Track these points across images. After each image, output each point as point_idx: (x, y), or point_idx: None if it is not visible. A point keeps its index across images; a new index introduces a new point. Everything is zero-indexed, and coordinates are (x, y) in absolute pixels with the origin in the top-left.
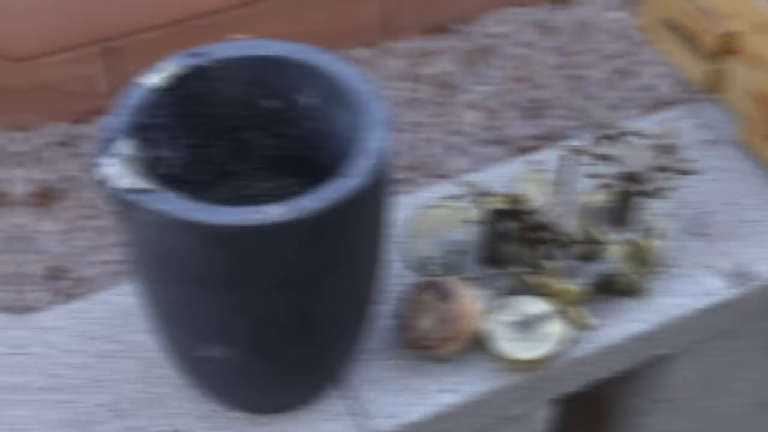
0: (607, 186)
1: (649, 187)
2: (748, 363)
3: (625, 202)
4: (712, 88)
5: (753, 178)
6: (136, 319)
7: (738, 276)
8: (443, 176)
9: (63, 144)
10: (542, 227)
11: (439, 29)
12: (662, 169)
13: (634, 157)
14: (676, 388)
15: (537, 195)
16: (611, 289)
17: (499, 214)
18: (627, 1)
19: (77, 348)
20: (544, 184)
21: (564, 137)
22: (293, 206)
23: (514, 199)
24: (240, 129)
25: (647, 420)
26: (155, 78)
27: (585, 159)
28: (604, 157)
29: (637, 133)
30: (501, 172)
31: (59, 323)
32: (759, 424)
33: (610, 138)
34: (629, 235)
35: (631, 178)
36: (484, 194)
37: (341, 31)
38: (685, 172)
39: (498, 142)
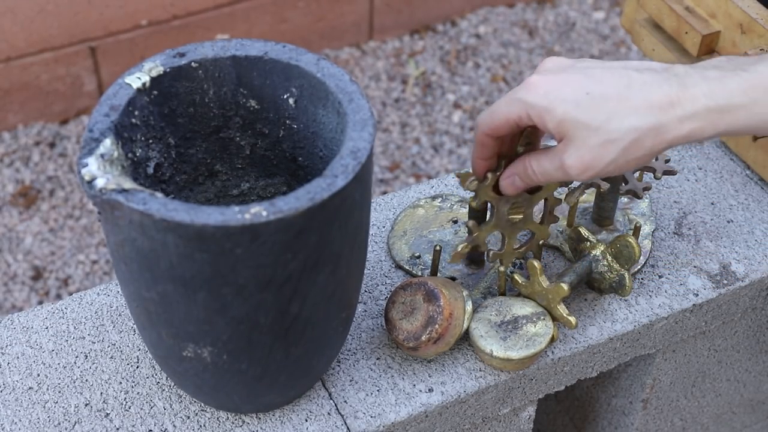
0: (588, 186)
1: (631, 187)
2: (732, 363)
3: (608, 202)
4: None
5: (738, 178)
6: (121, 319)
7: (722, 276)
8: (428, 176)
9: (50, 144)
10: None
11: (423, 29)
12: (644, 169)
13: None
14: (660, 387)
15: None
16: (597, 287)
17: (485, 213)
18: (611, 1)
19: (63, 348)
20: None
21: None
22: (276, 206)
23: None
24: (224, 129)
25: (631, 420)
26: (139, 78)
27: None
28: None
29: None
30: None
31: (44, 323)
32: (743, 423)
33: None
34: (615, 234)
35: (612, 179)
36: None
37: (326, 31)
38: (667, 173)
39: None
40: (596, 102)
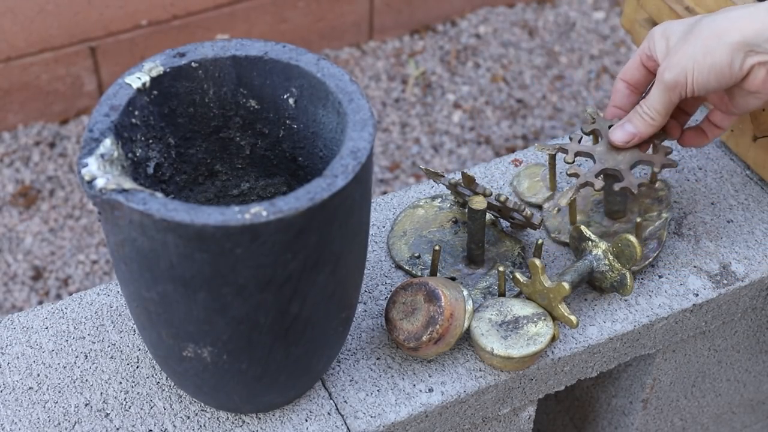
0: (586, 184)
1: (626, 184)
2: (732, 363)
3: (615, 195)
4: None
5: (738, 178)
6: (121, 319)
7: (722, 276)
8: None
9: (50, 144)
10: (527, 225)
11: (423, 29)
12: (644, 163)
13: (615, 153)
14: (660, 387)
15: (528, 192)
16: (598, 286)
17: (484, 214)
18: (611, 1)
19: (63, 348)
20: (534, 181)
21: (548, 137)
22: (276, 206)
23: (498, 197)
24: (224, 129)
25: (631, 420)
26: (139, 78)
27: (567, 157)
28: (585, 155)
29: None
30: (485, 171)
31: (44, 323)
32: (743, 423)
33: (592, 134)
34: (617, 228)
35: (612, 175)
36: (472, 190)
37: (326, 31)
38: (665, 166)
39: (481, 141)
40: (697, 21)
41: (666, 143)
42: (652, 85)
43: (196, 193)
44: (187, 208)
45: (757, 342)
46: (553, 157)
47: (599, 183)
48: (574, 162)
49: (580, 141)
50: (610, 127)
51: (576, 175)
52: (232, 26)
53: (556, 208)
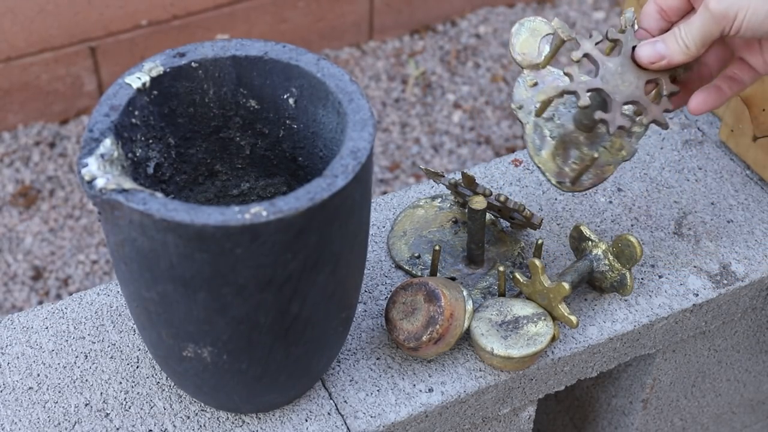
0: (573, 93)
1: (612, 118)
2: (732, 363)
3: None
4: None
5: (738, 178)
6: (121, 319)
7: (722, 276)
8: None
9: (50, 144)
10: (527, 225)
11: (423, 29)
12: (638, 105)
13: (620, 78)
14: (660, 387)
15: (521, 48)
16: (598, 286)
17: (484, 214)
18: (610, 1)
19: (63, 348)
20: (533, 38)
21: None
22: (276, 206)
23: (498, 197)
24: (224, 129)
25: (631, 420)
26: (139, 78)
27: (575, 54)
28: (592, 62)
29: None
30: (485, 171)
31: (44, 323)
32: (743, 423)
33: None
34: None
35: (602, 98)
36: (472, 190)
37: (326, 31)
38: (656, 121)
39: (481, 141)
40: None
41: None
42: (688, 14)
43: (196, 193)
44: (187, 208)
45: (757, 342)
46: (562, 42)
47: (585, 99)
48: (579, 61)
49: (598, 43)
50: (633, 48)
51: (570, 77)
52: (232, 26)
53: (533, 81)
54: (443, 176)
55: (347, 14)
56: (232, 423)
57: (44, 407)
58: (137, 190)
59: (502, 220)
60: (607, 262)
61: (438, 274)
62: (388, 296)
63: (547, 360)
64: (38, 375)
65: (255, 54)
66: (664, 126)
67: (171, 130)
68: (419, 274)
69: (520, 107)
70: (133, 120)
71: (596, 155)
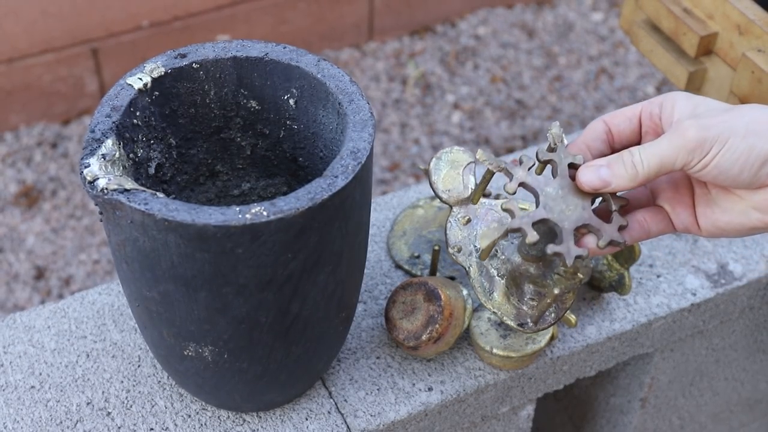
0: (518, 231)
1: (567, 250)
2: (729, 362)
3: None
4: (694, 89)
5: None
6: (123, 318)
7: (720, 275)
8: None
9: (52, 144)
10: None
11: (423, 30)
12: (591, 228)
13: (564, 202)
14: (658, 386)
15: (443, 183)
16: (597, 286)
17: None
18: (609, 3)
19: (65, 347)
20: (454, 171)
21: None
22: (277, 206)
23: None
24: (225, 129)
25: (630, 418)
26: (140, 78)
27: (509, 186)
28: (530, 190)
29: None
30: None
31: (46, 322)
32: (740, 422)
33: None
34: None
35: (550, 228)
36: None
37: (326, 33)
38: (612, 243)
39: (481, 142)
40: (734, 109)
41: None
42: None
43: (197, 194)
44: (188, 208)
45: (755, 341)
46: (491, 174)
47: (533, 235)
48: (515, 193)
49: (530, 168)
50: (570, 165)
51: (511, 214)
52: (232, 27)
53: (466, 218)
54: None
55: (347, 15)
56: (233, 422)
57: (46, 406)
58: (139, 191)
59: None
60: (605, 261)
61: (438, 274)
62: (388, 296)
63: (546, 359)
64: (40, 374)
65: (256, 55)
66: (623, 245)
67: (172, 131)
68: (419, 273)
69: (459, 250)
70: (135, 120)
71: (556, 291)
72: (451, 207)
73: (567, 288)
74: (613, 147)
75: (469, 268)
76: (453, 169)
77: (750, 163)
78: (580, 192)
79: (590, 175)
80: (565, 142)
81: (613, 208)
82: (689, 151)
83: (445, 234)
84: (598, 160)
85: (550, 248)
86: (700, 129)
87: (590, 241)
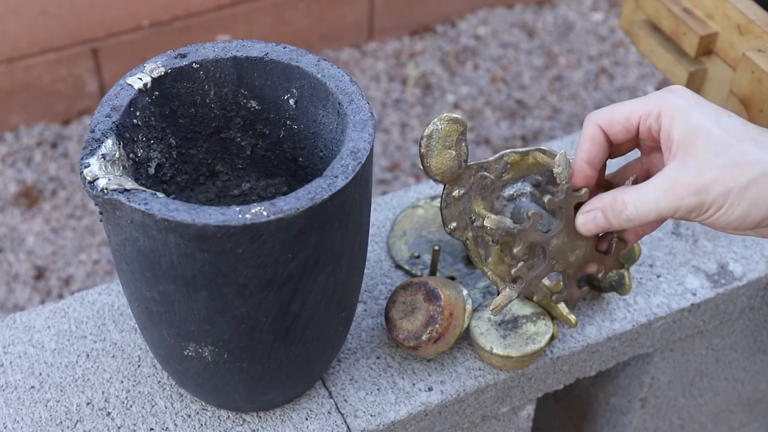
0: (528, 291)
1: (570, 295)
2: (729, 362)
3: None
4: (694, 89)
5: None
6: (123, 318)
7: (720, 275)
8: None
9: (52, 145)
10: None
11: (423, 30)
12: (591, 267)
13: (569, 250)
14: (658, 386)
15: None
16: (597, 286)
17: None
18: (609, 3)
19: (65, 347)
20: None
21: (546, 137)
22: (277, 206)
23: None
24: (225, 129)
25: (630, 418)
26: (140, 78)
27: (519, 250)
28: (538, 247)
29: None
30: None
31: (46, 322)
32: (741, 422)
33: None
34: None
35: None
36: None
37: (326, 33)
38: (610, 276)
39: (481, 142)
40: (736, 125)
41: None
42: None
43: (197, 194)
44: (188, 208)
45: (755, 341)
46: (495, 242)
47: (541, 294)
48: (525, 256)
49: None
50: (576, 206)
51: (521, 281)
52: (232, 27)
53: (461, 193)
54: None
55: (347, 15)
56: (233, 422)
57: (46, 406)
58: (139, 191)
59: None
60: None
61: (438, 274)
62: (388, 296)
63: (546, 359)
64: (40, 374)
65: (256, 55)
66: (621, 267)
67: (172, 131)
68: (419, 273)
69: (455, 228)
70: (135, 120)
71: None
72: (444, 185)
73: None
74: (614, 153)
75: (466, 241)
76: (446, 148)
77: (747, 223)
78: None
79: (589, 224)
80: (570, 170)
81: (614, 240)
82: (685, 210)
83: (441, 213)
84: (593, 203)
85: (556, 299)
86: (697, 191)
87: (592, 269)
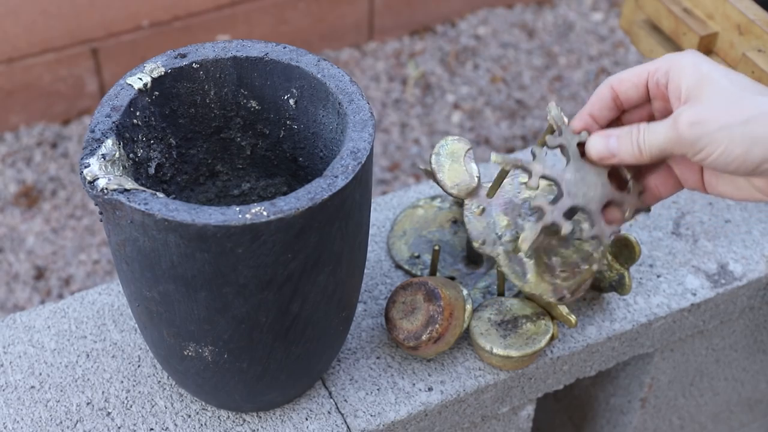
0: (552, 225)
1: (601, 231)
2: (729, 362)
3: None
4: None
5: None
6: (123, 318)
7: (720, 275)
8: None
9: (52, 145)
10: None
11: (423, 30)
12: (614, 204)
13: (585, 184)
14: (658, 386)
15: (450, 179)
16: (597, 286)
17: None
18: (609, 3)
19: (65, 347)
20: (457, 164)
21: None
22: (277, 206)
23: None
24: (225, 129)
25: (630, 418)
26: (140, 78)
27: (531, 181)
28: (550, 180)
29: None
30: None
31: (46, 322)
32: (741, 422)
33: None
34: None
35: (572, 211)
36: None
37: (326, 33)
38: (639, 211)
39: (481, 142)
40: (744, 80)
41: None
42: (643, 105)
43: (197, 194)
44: (188, 208)
45: (755, 341)
46: (506, 172)
47: (568, 226)
48: (538, 187)
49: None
50: (578, 144)
51: (541, 212)
52: (232, 27)
53: (480, 208)
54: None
55: (347, 15)
56: (233, 422)
57: (46, 406)
58: (138, 191)
59: None
60: (605, 261)
61: (437, 274)
62: (388, 296)
63: (546, 359)
64: (40, 374)
65: (256, 55)
66: (648, 210)
67: (172, 131)
68: (419, 273)
69: (484, 242)
70: (135, 120)
71: (595, 267)
72: (462, 201)
73: (590, 253)
74: (623, 110)
75: (497, 256)
76: (455, 162)
77: (746, 166)
78: (595, 169)
79: (600, 145)
80: (566, 121)
81: (628, 176)
82: (684, 146)
83: (466, 229)
84: (610, 130)
85: (587, 234)
86: (695, 127)
87: (616, 214)
